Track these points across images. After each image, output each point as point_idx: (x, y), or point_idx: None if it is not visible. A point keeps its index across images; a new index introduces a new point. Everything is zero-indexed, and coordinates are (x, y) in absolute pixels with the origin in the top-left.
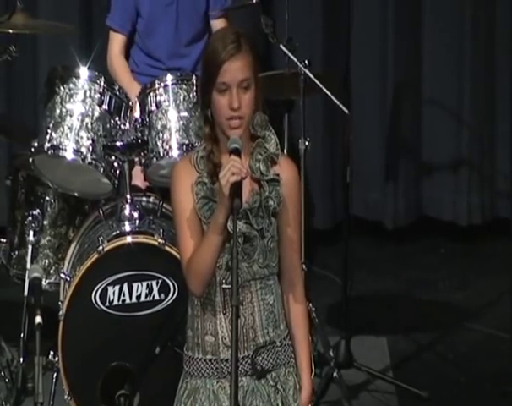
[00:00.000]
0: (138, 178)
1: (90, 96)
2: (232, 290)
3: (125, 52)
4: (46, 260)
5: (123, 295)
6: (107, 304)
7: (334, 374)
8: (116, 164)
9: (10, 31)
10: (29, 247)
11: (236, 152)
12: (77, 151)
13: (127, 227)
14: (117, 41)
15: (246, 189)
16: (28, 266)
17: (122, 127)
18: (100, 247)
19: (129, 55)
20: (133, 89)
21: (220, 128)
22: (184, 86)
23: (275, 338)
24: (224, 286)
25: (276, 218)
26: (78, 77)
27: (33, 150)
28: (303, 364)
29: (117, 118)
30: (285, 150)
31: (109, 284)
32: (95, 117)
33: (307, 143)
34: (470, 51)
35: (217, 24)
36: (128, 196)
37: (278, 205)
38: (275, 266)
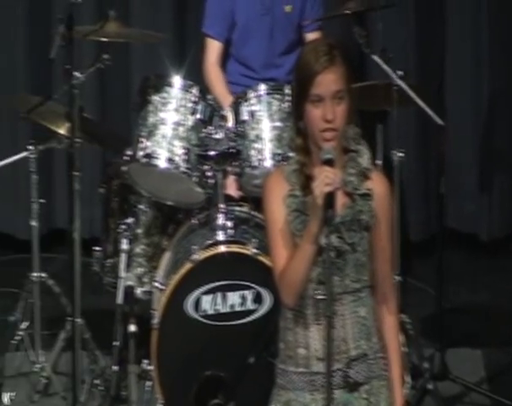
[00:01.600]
0: (231, 188)
1: (183, 105)
2: (327, 301)
3: (220, 61)
4: (140, 269)
5: (217, 304)
6: (201, 313)
7: (429, 386)
8: (209, 173)
9: (103, 39)
10: (123, 255)
11: (330, 163)
12: (170, 160)
13: (220, 236)
14: (213, 49)
15: (338, 203)
16: (121, 274)
17: (216, 136)
18: (194, 256)
19: (223, 63)
20: (226, 100)
21: (313, 140)
22: (277, 96)
23: (367, 351)
24: (317, 297)
25: (369, 232)
26: (171, 86)
27: (127, 158)
28: (395, 377)
29: (210, 128)
30: (379, 162)
31: (202, 293)
32: (188, 127)
33: (401, 154)
34: None
35: (311, 37)
36: (222, 205)
37: (370, 219)
38: (367, 280)
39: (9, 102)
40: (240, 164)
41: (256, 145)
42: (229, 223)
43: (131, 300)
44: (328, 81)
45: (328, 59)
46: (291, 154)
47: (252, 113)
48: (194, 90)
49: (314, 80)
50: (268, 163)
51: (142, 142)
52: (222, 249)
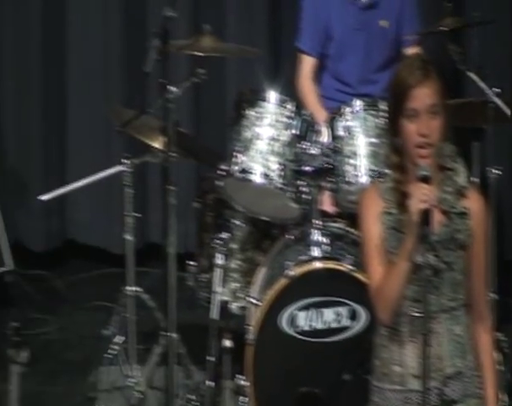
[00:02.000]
0: (326, 204)
1: (279, 120)
2: (423, 319)
3: (314, 76)
4: (235, 284)
5: (312, 321)
6: (296, 329)
7: None
8: (304, 189)
9: (198, 54)
10: (218, 270)
11: (426, 180)
12: (266, 175)
13: (316, 252)
14: (306, 64)
15: (434, 221)
16: (216, 289)
17: (311, 152)
18: (289, 272)
19: (318, 78)
20: (319, 114)
21: (409, 157)
22: (372, 112)
23: (462, 369)
24: (413, 314)
25: (465, 251)
26: (266, 101)
27: (222, 173)
28: (490, 396)
29: (305, 143)
30: (476, 179)
31: (297, 309)
32: (283, 142)
33: (497, 172)
34: None
35: (410, 51)
36: (317, 221)
37: (467, 238)
38: (462, 298)
39: (108, 115)
40: (335, 180)
41: (351, 161)
42: (324, 239)
43: (226, 315)
44: (423, 95)
45: (422, 74)
46: (386, 171)
47: (347, 129)
48: (290, 105)
49: (409, 94)
50: (363, 179)
51: (237, 157)
52: (318, 265)
